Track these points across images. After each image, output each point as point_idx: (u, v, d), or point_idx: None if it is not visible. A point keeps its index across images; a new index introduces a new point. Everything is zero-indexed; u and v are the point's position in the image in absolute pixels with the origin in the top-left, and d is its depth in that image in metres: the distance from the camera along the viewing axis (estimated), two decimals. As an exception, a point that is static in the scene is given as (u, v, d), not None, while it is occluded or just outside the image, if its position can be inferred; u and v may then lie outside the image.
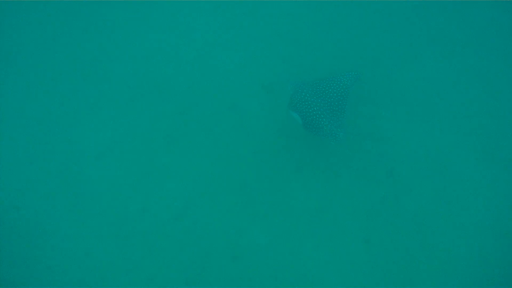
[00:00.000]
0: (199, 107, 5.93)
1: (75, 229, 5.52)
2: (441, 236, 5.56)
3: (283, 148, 5.83)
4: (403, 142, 5.91)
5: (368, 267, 5.45)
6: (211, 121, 5.89)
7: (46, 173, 5.71)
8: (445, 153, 5.89)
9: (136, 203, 5.61)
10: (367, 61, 6.25)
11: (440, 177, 5.79)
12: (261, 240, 5.51)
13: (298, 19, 6.39)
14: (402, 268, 5.47)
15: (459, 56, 6.32)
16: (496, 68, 6.25)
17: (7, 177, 5.66)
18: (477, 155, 5.89)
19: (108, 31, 6.22)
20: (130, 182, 5.67)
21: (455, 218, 5.63)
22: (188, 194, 5.64)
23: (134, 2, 6.35)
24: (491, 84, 6.19)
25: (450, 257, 5.48)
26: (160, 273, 5.37)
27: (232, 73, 6.10)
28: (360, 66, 6.20)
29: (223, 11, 6.36)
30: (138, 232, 5.52)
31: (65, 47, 6.14)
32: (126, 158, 5.74)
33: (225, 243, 5.50)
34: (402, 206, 5.67)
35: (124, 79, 6.02)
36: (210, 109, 5.93)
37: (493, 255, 5.48)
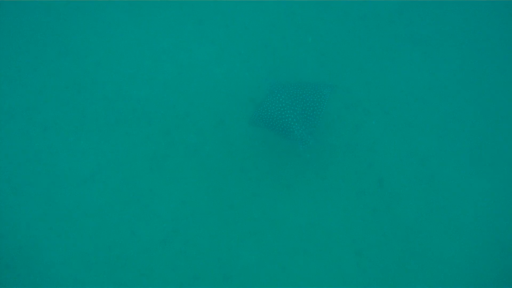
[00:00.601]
0: (184, 127, 5.87)
1: (62, 256, 5.45)
2: (433, 245, 5.56)
3: (271, 164, 5.79)
4: (391, 150, 5.89)
5: (360, 280, 5.44)
6: (197, 140, 5.82)
7: (30, 199, 5.62)
8: (433, 160, 5.88)
9: (124, 227, 5.54)
10: (351, 68, 6.20)
11: (429, 184, 5.78)
12: (252, 258, 5.48)
13: (281, 29, 6.33)
14: (394, 278, 5.47)
15: (444, 60, 6.29)
16: (483, 71, 6.22)
17: (-9, 205, 5.58)
18: (466, 160, 5.88)
19: (88, 54, 6.12)
20: (118, 206, 5.60)
21: (447, 226, 5.63)
22: (177, 216, 5.59)
23: (113, 24, 6.24)
24: (478, 88, 6.16)
25: (442, 266, 5.48)
26: (152, 296, 5.32)
27: (217, 88, 6.03)
28: (344, 73, 6.16)
29: (204, 27, 6.29)
30: (127, 256, 5.46)
31: (46, 71, 6.03)
32: (112, 182, 5.67)
33: (216, 263, 5.46)
34: (393, 216, 5.66)
35: (107, 102, 5.93)
36: (196, 128, 5.87)
37: (485, 263, 5.49)
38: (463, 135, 5.99)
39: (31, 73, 6.02)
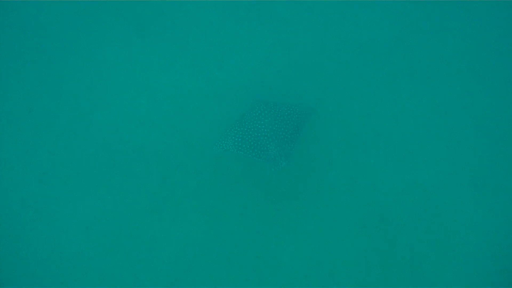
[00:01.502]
0: (183, 168, 5.82)
1: (67, 304, 5.42)
2: (439, 278, 5.55)
3: (273, 202, 5.75)
4: (392, 185, 5.87)
5: (366, 318, 5.43)
6: (196, 181, 5.77)
7: (31, 249, 5.57)
8: (435, 191, 5.86)
9: (128, 273, 5.51)
10: (349, 101, 6.15)
11: (432, 216, 5.77)
12: (257, 298, 5.46)
13: (277, 65, 6.27)
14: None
15: (444, 88, 6.23)
16: (484, 98, 6.18)
17: (-7, 257, 5.53)
18: (468, 189, 5.87)
19: (82, 96, 6.03)
20: (121, 251, 5.56)
21: (451, 257, 5.62)
22: (181, 258, 5.56)
23: (107, 65, 6.17)
24: (479, 115, 6.13)
25: (448, 298, 5.49)
26: None
27: (214, 128, 5.98)
28: (342, 107, 6.12)
29: (199, 63, 6.23)
30: (132, 302, 5.43)
31: (40, 116, 5.95)
32: (114, 227, 5.63)
33: (221, 305, 5.45)
34: (396, 251, 5.64)
35: (104, 146, 5.86)
36: (195, 168, 5.81)
37: (491, 293, 5.50)
38: (464, 164, 5.96)
39: (25, 118, 5.94)
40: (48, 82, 6.08)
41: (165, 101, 6.07)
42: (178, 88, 6.13)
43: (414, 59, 6.36)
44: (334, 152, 5.95)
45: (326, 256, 5.61)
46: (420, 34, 6.43)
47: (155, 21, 6.33)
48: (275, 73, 6.22)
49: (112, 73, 6.14)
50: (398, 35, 6.43)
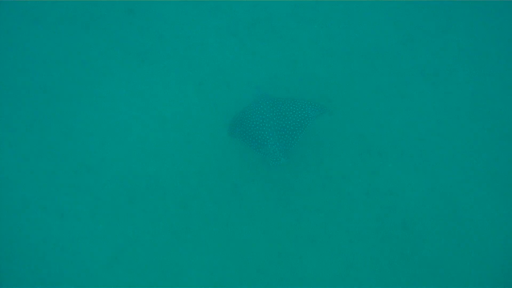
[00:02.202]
0: (200, 196, 5.77)
1: None
2: (465, 281, 5.54)
3: (292, 221, 5.72)
4: (411, 190, 5.80)
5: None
6: (214, 208, 5.74)
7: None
8: (454, 193, 5.79)
9: (155, 305, 5.55)
10: (360, 111, 6.05)
11: (453, 219, 5.72)
12: (286, 320, 5.50)
13: (284, 80, 6.13)
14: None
15: (455, 89, 6.12)
16: (496, 96, 6.05)
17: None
18: (487, 189, 5.79)
19: (92, 133, 5.97)
20: (145, 285, 5.58)
21: (476, 259, 5.58)
22: (206, 287, 5.57)
23: (113, 98, 6.07)
24: (493, 113, 6.01)
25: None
26: None
27: (227, 153, 5.89)
28: (354, 118, 6.02)
29: (205, 89, 6.10)
30: (163, 334, 5.49)
31: (52, 156, 5.91)
32: (137, 261, 5.63)
33: (251, 328, 5.49)
34: (420, 256, 5.61)
35: (119, 181, 5.82)
36: (212, 195, 5.77)
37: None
38: (483, 164, 5.87)
39: (38, 159, 5.91)
40: (55, 122, 6.03)
41: (173, 128, 6.00)
42: (185, 114, 6.04)
43: (423, 61, 6.24)
44: (349, 159, 5.88)
45: (350, 269, 5.59)
46: (426, 36, 6.30)
47: (155, 48, 6.21)
48: (284, 80, 6.12)
49: (118, 106, 6.07)
50: (405, 37, 6.29)
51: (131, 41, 6.20)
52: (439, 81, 6.16)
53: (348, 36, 6.28)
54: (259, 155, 5.26)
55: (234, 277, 5.59)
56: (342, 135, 5.97)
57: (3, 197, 5.79)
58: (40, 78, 6.11)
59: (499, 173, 5.83)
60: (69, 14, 6.25)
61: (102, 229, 5.72)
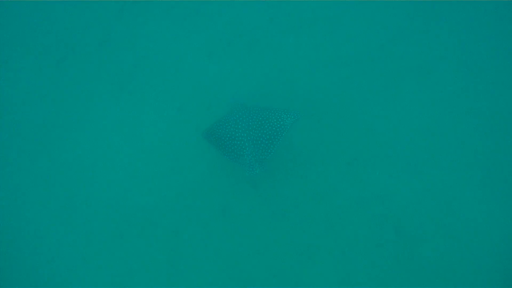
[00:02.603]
0: (190, 224, 5.75)
1: None
2: (463, 282, 5.52)
3: (285, 240, 5.69)
4: (402, 196, 5.75)
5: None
6: (205, 234, 5.72)
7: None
8: (446, 197, 5.73)
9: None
10: (346, 121, 6.00)
11: (446, 222, 5.66)
12: (287, 337, 5.51)
13: (270, 97, 6.08)
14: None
15: (444, 87, 6.04)
16: (487, 95, 5.98)
17: None
18: (481, 192, 5.71)
19: (80, 168, 5.95)
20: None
21: (473, 264, 5.54)
22: (204, 311, 5.59)
23: (98, 132, 6.05)
24: (483, 109, 5.94)
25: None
26: None
27: (213, 177, 5.87)
28: (340, 129, 5.96)
29: (185, 112, 6.06)
30: None
31: (40, 194, 5.91)
32: (133, 291, 5.66)
33: None
34: (416, 264, 5.58)
35: (107, 216, 5.81)
36: (202, 221, 5.75)
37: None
38: (473, 165, 5.80)
39: (25, 195, 5.90)
40: (39, 162, 5.98)
41: (159, 156, 5.97)
42: (168, 140, 6.01)
43: (408, 63, 6.16)
44: (337, 169, 5.83)
45: (348, 279, 5.58)
46: (409, 37, 6.23)
47: (133, 76, 6.16)
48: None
49: (101, 139, 6.05)
50: (387, 40, 6.22)
51: (107, 71, 6.16)
52: (426, 83, 6.09)
53: (328, 43, 6.22)
54: (244, 173, 5.24)
55: (231, 300, 5.60)
56: (328, 145, 5.92)
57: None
58: (20, 120, 6.08)
59: (492, 174, 5.75)
60: (40, 51, 6.19)
61: (95, 264, 5.72)
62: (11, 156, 6.01)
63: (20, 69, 6.21)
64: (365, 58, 6.15)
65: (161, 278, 5.66)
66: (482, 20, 6.22)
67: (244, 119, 5.22)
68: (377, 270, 5.59)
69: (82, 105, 6.10)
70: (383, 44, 6.20)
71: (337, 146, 5.90)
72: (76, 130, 6.03)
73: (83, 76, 6.16)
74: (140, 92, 6.11)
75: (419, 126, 5.94)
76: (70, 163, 5.98)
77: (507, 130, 5.86)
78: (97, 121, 6.06)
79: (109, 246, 5.73)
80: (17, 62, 6.23)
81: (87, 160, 5.96)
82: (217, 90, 6.09)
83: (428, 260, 5.58)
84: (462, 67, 6.08)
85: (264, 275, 5.63)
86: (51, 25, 6.25)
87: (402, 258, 5.61)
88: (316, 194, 5.79)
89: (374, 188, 5.79)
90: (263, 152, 5.20)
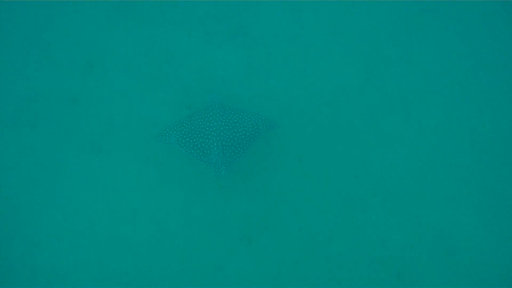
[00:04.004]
0: (185, 284, 5.47)
1: None
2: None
3: (284, 277, 5.49)
4: (400, 237, 5.57)
5: None
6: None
7: None
8: (447, 232, 5.59)
9: None
10: (336, 157, 5.77)
11: (449, 260, 5.51)
12: None
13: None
14: None
15: (427, 117, 5.87)
16: (473, 119, 5.83)
17: None
18: (483, 224, 5.59)
19: (59, 237, 5.62)
20: None
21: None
22: None
23: (68, 201, 5.71)
24: (471, 139, 5.81)
25: None
26: None
27: (206, 233, 5.59)
28: (331, 165, 5.74)
29: (167, 169, 5.76)
30: None
31: (17, 272, 5.57)
32: None
33: None
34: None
35: (95, 285, 5.51)
36: (197, 280, 5.48)
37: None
38: (471, 196, 5.68)
39: (4, 274, 5.56)
40: (17, 236, 5.61)
41: (143, 217, 5.66)
42: (152, 200, 5.71)
43: (390, 94, 5.94)
44: (331, 218, 5.62)
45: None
46: (388, 66, 5.98)
47: (108, 134, 5.83)
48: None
49: (80, 204, 5.68)
50: (367, 72, 5.96)
51: (81, 131, 5.81)
52: (410, 113, 5.92)
53: (307, 84, 5.97)
54: (209, 173, 5.06)
55: None
56: (320, 194, 5.70)
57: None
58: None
59: (488, 204, 5.63)
60: (11, 116, 5.83)
61: None
62: None
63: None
64: (347, 95, 5.95)
65: None
66: (468, 50, 6.06)
67: (217, 118, 5.07)
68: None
69: (58, 167, 5.75)
70: (369, 78, 5.98)
71: (328, 194, 5.71)
72: (53, 194, 5.68)
73: (58, 137, 5.80)
74: (119, 150, 5.79)
75: (409, 162, 5.78)
76: (50, 234, 5.63)
77: (501, 159, 5.69)
78: (75, 185, 5.71)
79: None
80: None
81: (67, 228, 5.62)
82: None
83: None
84: (446, 91, 5.95)
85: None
86: (22, 86, 5.89)
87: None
88: (311, 246, 5.56)
89: (371, 233, 5.59)
90: (231, 154, 5.04)
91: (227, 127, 5.05)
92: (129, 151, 5.78)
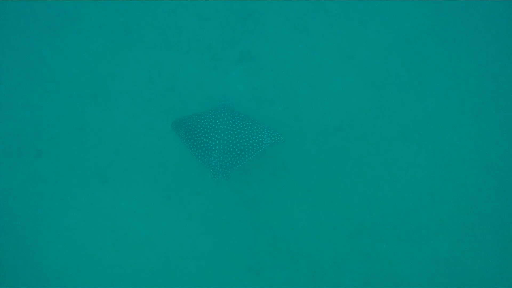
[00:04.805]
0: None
1: None
2: None
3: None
4: (412, 269, 5.43)
5: None
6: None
7: None
8: (462, 263, 5.43)
9: None
10: (339, 181, 5.63)
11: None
12: None
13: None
14: None
15: (439, 144, 5.68)
16: (485, 144, 5.63)
17: None
18: (495, 256, 5.40)
19: (66, 271, 5.59)
20: None
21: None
22: None
23: (75, 232, 5.66)
24: (484, 164, 5.63)
25: None
26: None
27: (213, 266, 5.52)
28: (338, 200, 5.60)
29: (173, 202, 5.68)
30: None
31: None
32: None
33: None
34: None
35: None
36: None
37: None
38: (486, 224, 5.51)
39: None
40: (24, 269, 5.60)
41: (151, 248, 5.61)
42: (159, 231, 5.65)
43: (401, 121, 5.79)
44: (340, 246, 5.51)
45: None
46: (399, 93, 5.81)
47: (114, 163, 5.77)
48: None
49: (87, 234, 5.65)
50: (378, 99, 5.78)
51: (87, 160, 5.75)
52: (423, 139, 5.74)
53: (317, 109, 5.81)
54: (207, 174, 5.01)
55: None
56: (329, 222, 5.58)
57: None
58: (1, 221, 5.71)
59: (505, 234, 5.45)
60: (16, 145, 5.78)
61: None
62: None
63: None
64: (358, 123, 5.78)
65: None
66: (483, 75, 5.84)
67: (224, 121, 5.01)
68: None
69: (64, 196, 5.70)
70: (380, 102, 5.80)
71: (339, 222, 5.57)
72: (59, 224, 5.64)
73: (63, 165, 5.75)
74: (125, 180, 5.71)
75: (421, 191, 5.65)
76: (57, 268, 5.60)
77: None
78: (80, 212, 5.67)
79: None
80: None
81: (75, 261, 5.59)
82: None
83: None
84: (458, 117, 5.77)
85: None
86: (27, 115, 5.84)
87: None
88: (321, 273, 5.46)
89: (382, 263, 5.47)
90: (231, 160, 4.98)
91: (232, 132, 4.98)
92: (135, 180, 5.71)
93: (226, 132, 4.98)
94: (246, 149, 4.98)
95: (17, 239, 5.63)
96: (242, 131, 5.01)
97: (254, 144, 5.01)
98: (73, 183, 5.71)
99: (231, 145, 4.96)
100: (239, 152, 4.97)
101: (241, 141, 4.99)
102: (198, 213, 5.60)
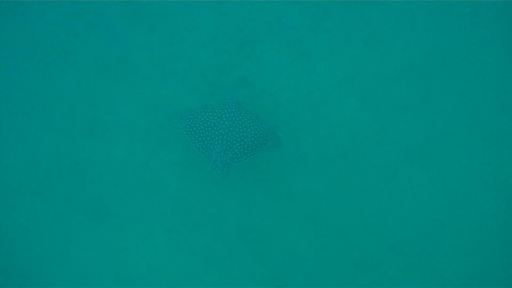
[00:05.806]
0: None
1: None
2: None
3: None
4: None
5: None
6: None
7: None
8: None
9: None
10: (343, 210, 5.47)
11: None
12: None
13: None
14: None
15: (446, 166, 5.49)
16: (494, 166, 5.46)
17: None
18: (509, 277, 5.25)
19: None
20: None
21: None
22: None
23: (75, 272, 5.55)
24: (493, 186, 5.43)
25: None
26: None
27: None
28: (341, 225, 5.45)
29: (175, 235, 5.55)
30: None
31: None
32: None
33: None
34: None
35: None
36: None
37: None
38: (492, 247, 5.33)
39: None
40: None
41: (153, 285, 5.47)
42: (161, 266, 5.52)
43: (408, 144, 5.57)
44: (345, 274, 5.36)
45: None
46: (405, 115, 5.58)
47: (113, 199, 5.63)
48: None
49: (88, 274, 5.55)
50: (384, 123, 5.58)
51: (86, 196, 5.62)
52: (430, 164, 5.55)
53: (319, 135, 5.64)
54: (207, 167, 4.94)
55: None
56: (334, 250, 5.44)
57: None
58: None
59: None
60: (13, 184, 5.66)
61: None
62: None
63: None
64: (363, 147, 5.59)
65: None
66: (490, 97, 5.63)
67: (230, 116, 4.95)
68: None
69: (64, 234, 5.60)
70: (384, 127, 5.62)
71: (342, 250, 5.45)
72: (60, 263, 5.54)
73: (61, 203, 5.63)
74: (125, 215, 5.59)
75: (427, 215, 5.48)
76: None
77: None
78: (81, 250, 5.56)
79: None
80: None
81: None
82: (203, 208, 5.56)
83: None
84: (471, 148, 5.57)
85: None
86: (22, 152, 5.71)
87: None
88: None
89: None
90: (232, 157, 4.91)
91: (236, 129, 4.92)
92: (135, 215, 5.57)
93: (231, 128, 4.91)
94: (249, 148, 4.92)
95: (19, 277, 5.54)
96: (247, 128, 4.94)
97: (257, 143, 4.95)
98: (73, 220, 5.61)
99: (234, 141, 4.90)
100: (241, 149, 4.92)
101: (245, 139, 4.93)
102: (201, 248, 5.47)
